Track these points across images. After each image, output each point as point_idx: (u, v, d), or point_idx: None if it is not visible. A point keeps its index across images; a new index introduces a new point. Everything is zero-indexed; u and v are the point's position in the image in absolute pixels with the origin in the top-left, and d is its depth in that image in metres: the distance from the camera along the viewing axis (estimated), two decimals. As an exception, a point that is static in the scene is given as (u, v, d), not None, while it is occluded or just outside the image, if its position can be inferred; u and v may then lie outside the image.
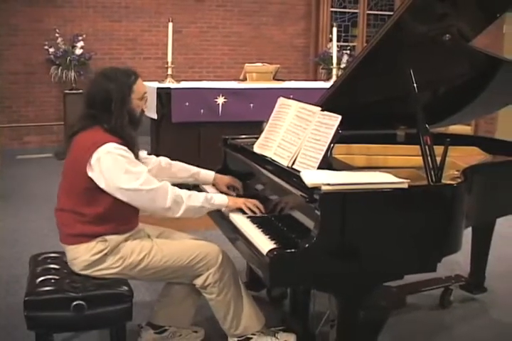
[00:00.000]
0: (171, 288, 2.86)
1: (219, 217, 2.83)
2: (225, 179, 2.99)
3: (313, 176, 2.30)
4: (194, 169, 3.00)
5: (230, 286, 2.69)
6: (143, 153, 2.80)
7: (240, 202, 2.72)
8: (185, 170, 2.97)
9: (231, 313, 2.69)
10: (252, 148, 2.94)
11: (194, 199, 2.58)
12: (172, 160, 2.99)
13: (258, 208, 2.69)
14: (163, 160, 2.96)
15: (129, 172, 2.46)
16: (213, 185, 3.02)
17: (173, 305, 2.84)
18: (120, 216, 2.55)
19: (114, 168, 2.43)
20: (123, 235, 2.58)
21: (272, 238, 2.38)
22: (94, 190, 2.48)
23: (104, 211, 2.50)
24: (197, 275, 2.65)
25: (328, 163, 2.49)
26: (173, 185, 2.61)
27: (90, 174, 2.46)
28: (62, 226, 2.61)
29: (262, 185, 2.84)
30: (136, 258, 2.57)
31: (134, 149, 2.54)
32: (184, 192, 2.57)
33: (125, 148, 2.48)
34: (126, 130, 2.53)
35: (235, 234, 2.58)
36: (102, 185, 2.45)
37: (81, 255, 2.54)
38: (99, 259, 2.54)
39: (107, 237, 2.53)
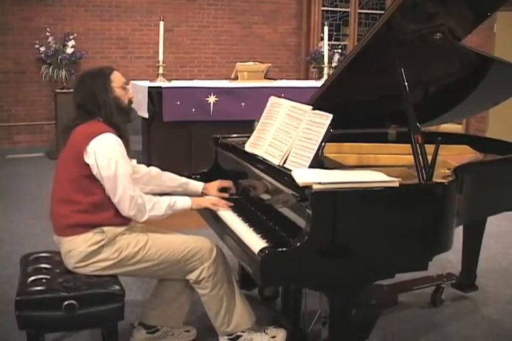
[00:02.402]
0: (162, 287, 2.86)
1: (210, 215, 2.83)
2: (214, 184, 2.98)
3: (304, 175, 2.30)
4: (183, 179, 3.02)
5: (223, 282, 2.71)
6: (133, 162, 2.83)
7: (204, 202, 2.82)
8: (174, 180, 3.00)
9: (223, 309, 2.71)
10: (244, 147, 2.93)
11: (156, 208, 2.64)
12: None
13: (224, 205, 2.80)
14: (154, 170, 3.00)
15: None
16: (203, 193, 2.99)
17: (165, 305, 2.84)
18: (115, 206, 2.58)
19: (108, 157, 2.51)
20: (120, 228, 2.60)
21: (263, 237, 2.39)
22: (91, 178, 2.54)
23: (100, 199, 2.56)
24: (191, 270, 2.67)
25: (319, 161, 2.49)
26: (162, 194, 2.72)
27: (87, 160, 2.53)
28: (58, 218, 2.62)
29: (253, 184, 2.83)
30: (132, 250, 2.59)
31: (125, 141, 2.62)
32: (148, 201, 2.62)
33: (120, 141, 2.58)
34: (115, 118, 2.62)
35: (226, 232, 2.58)
36: (94, 171, 2.53)
37: (78, 246, 2.54)
38: (95, 250, 2.55)
39: (105, 228, 2.56)
